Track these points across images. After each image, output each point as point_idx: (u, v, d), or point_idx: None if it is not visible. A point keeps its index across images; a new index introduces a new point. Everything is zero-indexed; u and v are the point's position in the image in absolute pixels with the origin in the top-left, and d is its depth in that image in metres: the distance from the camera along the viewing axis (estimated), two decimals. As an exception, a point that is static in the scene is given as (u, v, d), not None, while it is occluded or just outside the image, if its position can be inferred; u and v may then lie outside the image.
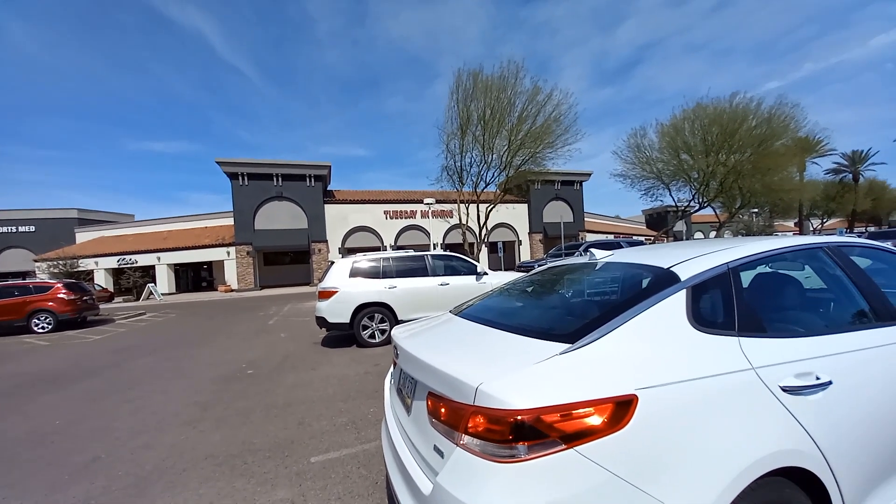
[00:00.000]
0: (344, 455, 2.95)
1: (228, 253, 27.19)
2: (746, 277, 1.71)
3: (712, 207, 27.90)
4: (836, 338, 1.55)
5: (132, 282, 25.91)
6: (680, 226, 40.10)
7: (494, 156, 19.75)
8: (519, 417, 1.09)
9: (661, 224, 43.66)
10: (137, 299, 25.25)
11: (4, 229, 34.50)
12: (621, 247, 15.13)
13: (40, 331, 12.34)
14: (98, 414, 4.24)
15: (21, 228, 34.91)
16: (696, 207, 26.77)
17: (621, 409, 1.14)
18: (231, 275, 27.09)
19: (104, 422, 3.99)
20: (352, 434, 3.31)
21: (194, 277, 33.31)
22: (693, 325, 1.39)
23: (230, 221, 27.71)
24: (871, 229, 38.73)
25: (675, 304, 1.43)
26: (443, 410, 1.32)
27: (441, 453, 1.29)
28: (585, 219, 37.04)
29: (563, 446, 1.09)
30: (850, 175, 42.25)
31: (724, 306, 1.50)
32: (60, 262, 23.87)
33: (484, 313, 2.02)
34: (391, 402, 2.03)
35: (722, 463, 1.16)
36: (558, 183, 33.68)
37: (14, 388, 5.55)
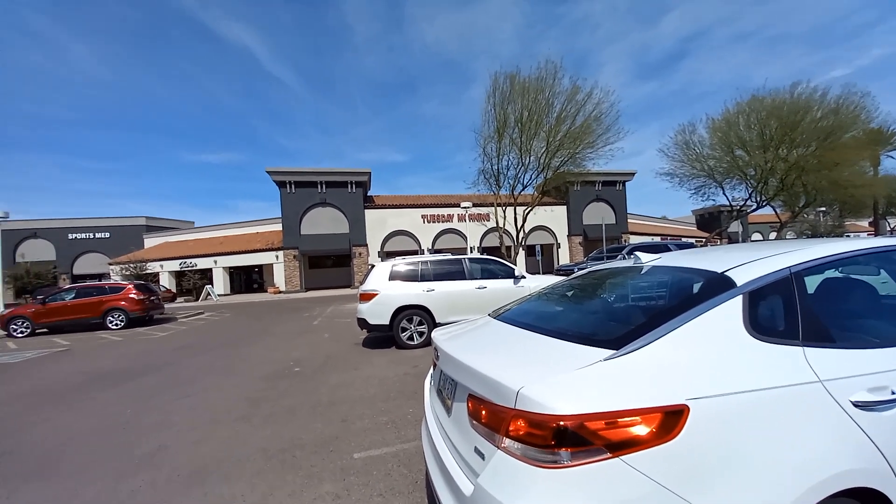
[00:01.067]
0: (385, 453, 3.03)
1: (277, 257, 28.69)
2: (813, 282, 1.58)
3: (772, 206, 25.77)
4: None
5: (192, 283, 28.03)
6: (735, 227, 37.33)
7: (532, 158, 19.48)
8: (562, 423, 1.09)
9: (713, 225, 40.94)
10: (197, 299, 27.23)
11: (83, 235, 38.42)
12: (669, 249, 14.35)
13: (114, 327, 13.62)
14: (159, 408, 4.60)
15: (97, 235, 38.78)
16: (754, 207, 24.92)
17: (671, 420, 1.10)
18: (279, 277, 28.56)
19: (164, 416, 4.31)
20: (392, 433, 3.39)
21: (246, 279, 35.45)
22: (751, 332, 1.31)
23: (278, 227, 29.26)
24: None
25: (730, 311, 1.36)
26: (483, 413, 1.33)
27: (482, 455, 1.30)
28: (629, 220, 35.48)
29: (608, 455, 1.07)
30: (935, 169, 37.43)
31: (786, 313, 1.40)
32: (131, 265, 26.27)
33: (524, 317, 2.01)
34: (431, 402, 2.06)
35: (782, 481, 1.08)
36: (599, 183, 32.57)
37: (88, 382, 6.17)
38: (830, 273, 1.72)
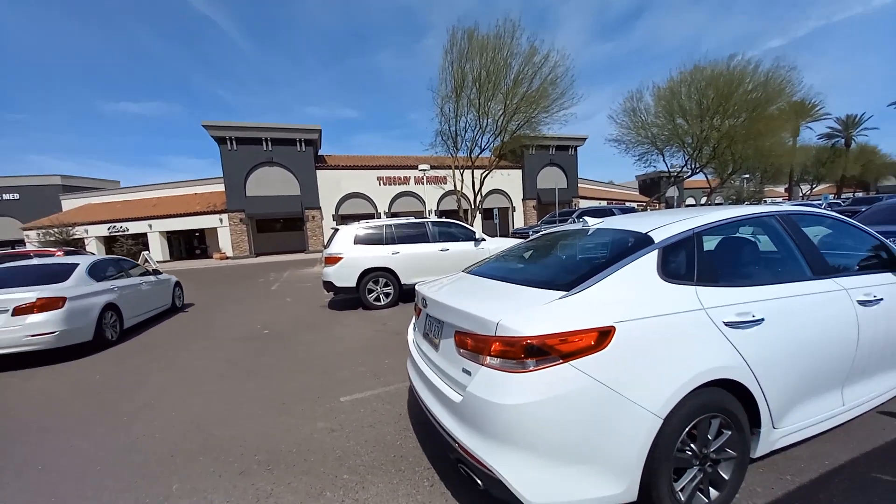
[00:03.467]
0: (369, 395, 3.44)
1: (221, 220, 27.11)
2: (709, 240, 2.10)
3: (704, 173, 28.19)
4: (772, 287, 1.98)
5: (126, 249, 25.87)
6: (672, 192, 40.50)
7: (490, 120, 19.60)
8: (529, 341, 1.51)
9: (654, 190, 44.07)
10: (134, 267, 25.31)
11: (-12, 197, 33.70)
12: (613, 213, 15.57)
13: (46, 298, 12.56)
14: (131, 372, 4.63)
15: (5, 196, 34.13)
16: (689, 173, 27.07)
17: (603, 336, 1.56)
18: (225, 242, 27.17)
19: (140, 378, 4.35)
20: (373, 380, 3.80)
21: (187, 245, 33.27)
22: (662, 277, 1.80)
23: (220, 188, 27.43)
24: (859, 195, 39.59)
25: (648, 261, 1.83)
26: (469, 342, 1.73)
27: (469, 373, 1.72)
28: (579, 185, 37.20)
29: (561, 361, 1.51)
30: (843, 140, 42.53)
31: (686, 263, 1.90)
32: (54, 229, 23.68)
33: (494, 271, 2.43)
34: (417, 344, 2.45)
35: (675, 373, 1.60)
36: (553, 148, 33.51)
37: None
38: (727, 232, 2.26)
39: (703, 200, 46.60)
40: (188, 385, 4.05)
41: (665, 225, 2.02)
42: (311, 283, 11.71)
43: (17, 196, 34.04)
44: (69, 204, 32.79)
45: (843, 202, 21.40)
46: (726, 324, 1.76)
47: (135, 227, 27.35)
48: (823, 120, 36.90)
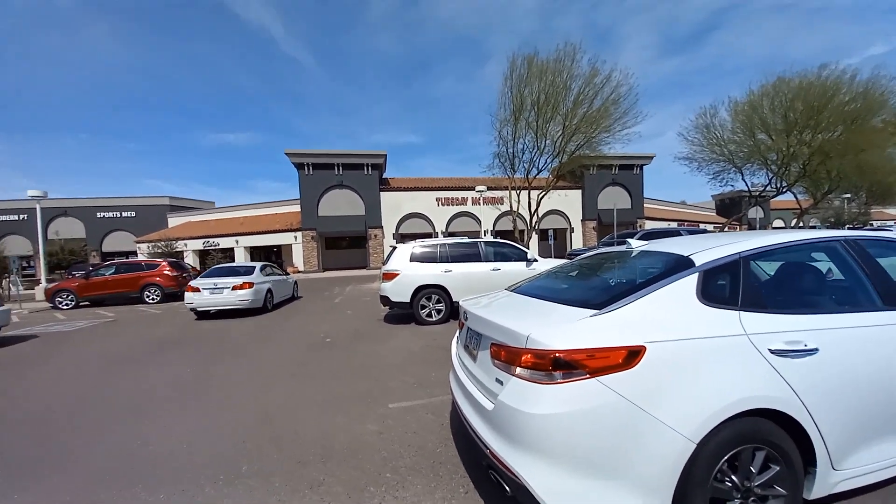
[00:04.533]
0: (415, 404, 3.63)
1: (296, 237, 29.66)
2: (762, 264, 2.03)
3: (792, 192, 25.29)
4: (831, 317, 1.86)
5: (216, 262, 29.31)
6: (755, 213, 36.66)
7: (548, 141, 19.55)
8: (557, 355, 1.60)
9: (733, 211, 40.24)
10: (220, 278, 28.46)
11: (110, 214, 40.01)
12: (680, 234, 14.56)
13: (151, 301, 14.66)
14: (219, 369, 5.33)
15: (124, 214, 40.42)
16: (774, 193, 24.50)
17: (633, 355, 1.60)
18: (298, 257, 29.60)
19: (225, 374, 5.05)
20: (419, 391, 3.99)
21: (266, 259, 36.76)
22: (701, 300, 1.79)
23: (296, 208, 30.13)
24: None
25: (687, 284, 1.84)
26: (503, 354, 1.85)
27: (501, 382, 1.84)
28: (645, 205, 35.20)
29: (588, 376, 1.58)
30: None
31: (730, 287, 1.87)
32: (161, 243, 27.56)
33: (534, 290, 2.53)
34: (459, 355, 2.61)
35: (710, 397, 1.59)
36: (616, 167, 32.29)
37: (147, 348, 6.97)
38: (776, 257, 2.16)
39: (794, 222, 41.47)
40: (264, 382, 4.57)
41: (710, 248, 2.00)
42: (370, 297, 12.36)
43: (133, 214, 40.15)
44: (173, 221, 37.99)
45: None
46: (772, 351, 1.70)
47: (225, 243, 30.88)
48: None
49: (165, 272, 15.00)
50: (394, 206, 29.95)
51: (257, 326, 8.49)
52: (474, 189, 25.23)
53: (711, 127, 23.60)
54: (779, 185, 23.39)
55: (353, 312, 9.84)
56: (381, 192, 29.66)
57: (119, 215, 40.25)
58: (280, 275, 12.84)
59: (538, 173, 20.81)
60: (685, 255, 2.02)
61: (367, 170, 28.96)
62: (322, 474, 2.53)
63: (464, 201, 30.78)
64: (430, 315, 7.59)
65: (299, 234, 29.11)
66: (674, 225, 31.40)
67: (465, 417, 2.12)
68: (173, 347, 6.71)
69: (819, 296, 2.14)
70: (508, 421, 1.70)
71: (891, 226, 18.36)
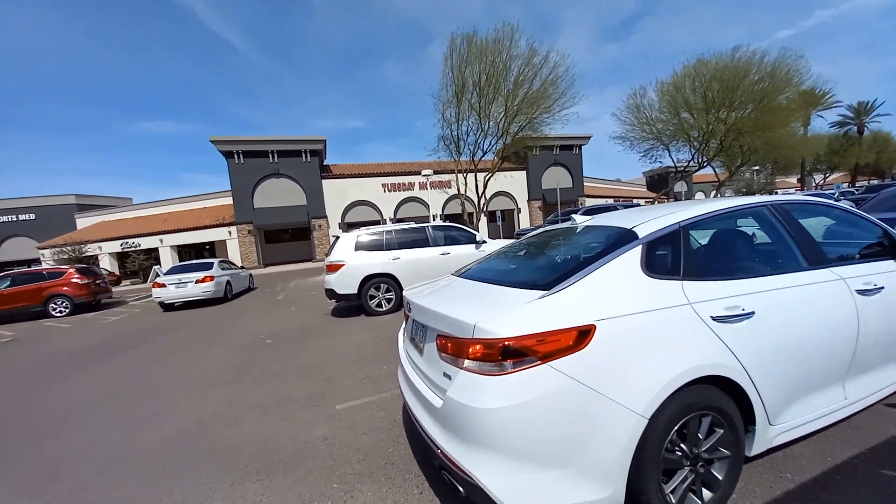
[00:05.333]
0: (365, 402, 3.42)
1: (230, 232, 27.52)
2: (697, 234, 2.04)
3: (712, 167, 27.77)
4: (763, 279, 1.91)
5: (137, 264, 26.45)
6: (680, 187, 39.94)
7: (491, 123, 19.65)
8: (506, 343, 1.47)
9: (662, 185, 43.52)
10: (145, 281, 25.85)
11: (5, 218, 34.64)
12: (616, 210, 15.41)
13: (58, 314, 12.85)
14: (149, 378, 4.77)
15: (21, 217, 35.07)
16: (696, 167, 26.73)
17: (582, 335, 1.51)
18: (234, 253, 27.54)
19: (157, 382, 4.54)
20: (370, 387, 3.78)
21: (197, 257, 33.82)
22: (646, 272, 1.75)
23: (229, 201, 27.86)
24: (874, 182, 38.55)
25: (631, 257, 1.78)
26: (449, 346, 1.70)
27: (449, 377, 1.69)
28: (585, 184, 36.91)
29: (539, 362, 1.47)
30: (855, 128, 41.54)
31: (672, 257, 1.85)
32: (67, 247, 24.28)
33: (481, 273, 2.39)
34: (405, 349, 2.43)
35: (659, 371, 1.55)
36: (557, 148, 33.36)
37: (64, 363, 6.05)
38: (711, 226, 2.20)
39: (713, 194, 45.89)
40: (201, 390, 4.11)
41: (651, 220, 1.97)
42: (317, 291, 11.77)
43: (32, 216, 34.94)
44: (84, 222, 33.59)
45: (857, 191, 20.83)
46: (714, 318, 1.71)
47: (146, 243, 27.87)
48: (835, 108, 36.16)
49: (73, 280, 13.18)
50: (338, 194, 28.72)
51: (190, 332, 7.71)
52: (421, 173, 24.85)
53: (641, 107, 25.08)
54: (700, 160, 25.52)
55: (298, 308, 9.30)
56: (324, 180, 28.27)
57: (15, 218, 34.87)
58: (236, 269, 14.49)
59: (483, 155, 20.94)
60: (628, 227, 1.97)
61: (306, 156, 27.36)
62: (259, 495, 2.26)
63: (411, 186, 30.27)
64: (379, 305, 7.33)
65: (233, 228, 27.05)
66: (611, 201, 33.32)
67: (414, 416, 1.96)
68: (92, 361, 5.87)
69: (751, 261, 2.22)
70: (459, 418, 1.56)
71: (831, 191, 20.66)
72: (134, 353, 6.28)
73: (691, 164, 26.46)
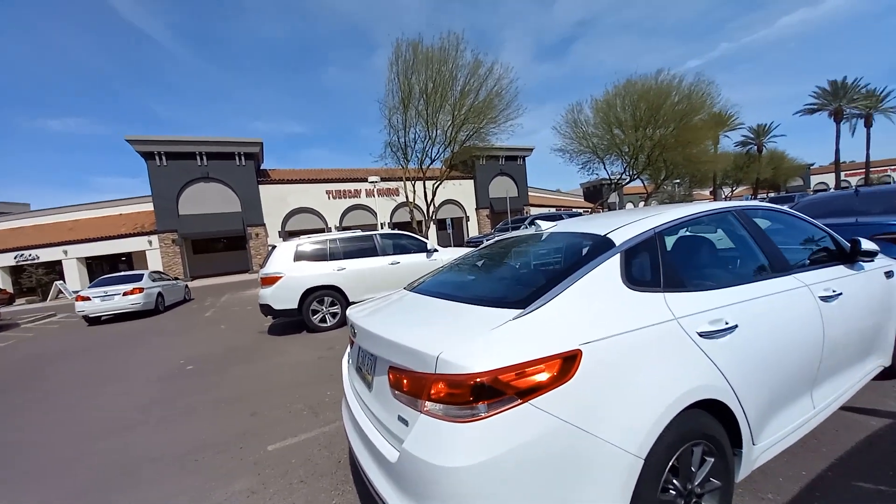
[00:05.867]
0: (303, 440, 2.92)
1: (150, 242, 24.65)
2: (670, 240, 1.90)
3: (641, 179, 30.14)
4: (741, 288, 1.80)
5: (35, 280, 22.76)
6: (613, 197, 42.89)
7: (439, 131, 19.57)
8: (478, 380, 1.17)
9: (597, 196, 46.43)
10: (44, 299, 22.32)
11: None
12: (563, 219, 15.96)
13: (-81, 344, 10.50)
14: (20, 428, 3.78)
15: None
16: (627, 180, 28.76)
17: (568, 363, 1.25)
18: (155, 266, 24.66)
19: (29, 436, 3.58)
20: (310, 419, 3.28)
21: (111, 271, 29.86)
22: (626, 284, 1.54)
23: (150, 207, 25.00)
24: (772, 195, 44.30)
25: (611, 267, 1.57)
26: (405, 382, 1.36)
27: (405, 422, 1.34)
28: (529, 193, 38.31)
29: (519, 401, 1.18)
30: (755, 147, 47.56)
31: (651, 267, 1.67)
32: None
33: (438, 287, 2.07)
34: (350, 380, 2.03)
35: (653, 401, 1.33)
36: (502, 158, 34.28)
37: None
38: (683, 232, 2.09)
39: (641, 204, 49.91)
40: (85, 442, 3.28)
41: (624, 225, 1.79)
42: (252, 306, 10.69)
43: None
44: (-38, 231, 28.28)
45: (761, 202, 23.62)
46: (700, 334, 1.54)
47: (47, 255, 24.07)
48: (739, 129, 41.06)
49: (-59, 301, 10.85)
50: (278, 200, 26.98)
51: (91, 360, 6.50)
52: (367, 180, 24.08)
53: (578, 122, 26.57)
54: (631, 173, 27.52)
55: (229, 326, 8.33)
56: (261, 185, 26.43)
57: None
58: (169, 280, 14.18)
59: (431, 163, 20.78)
60: (601, 234, 1.77)
61: (240, 159, 25.42)
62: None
63: (357, 193, 29.32)
64: (323, 320, 6.72)
65: (154, 237, 24.29)
66: (553, 210, 34.87)
67: (361, 468, 1.58)
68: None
69: (723, 269, 2.14)
70: (419, 478, 1.22)
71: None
72: (9, 395, 5.11)
73: (623, 176, 28.45)
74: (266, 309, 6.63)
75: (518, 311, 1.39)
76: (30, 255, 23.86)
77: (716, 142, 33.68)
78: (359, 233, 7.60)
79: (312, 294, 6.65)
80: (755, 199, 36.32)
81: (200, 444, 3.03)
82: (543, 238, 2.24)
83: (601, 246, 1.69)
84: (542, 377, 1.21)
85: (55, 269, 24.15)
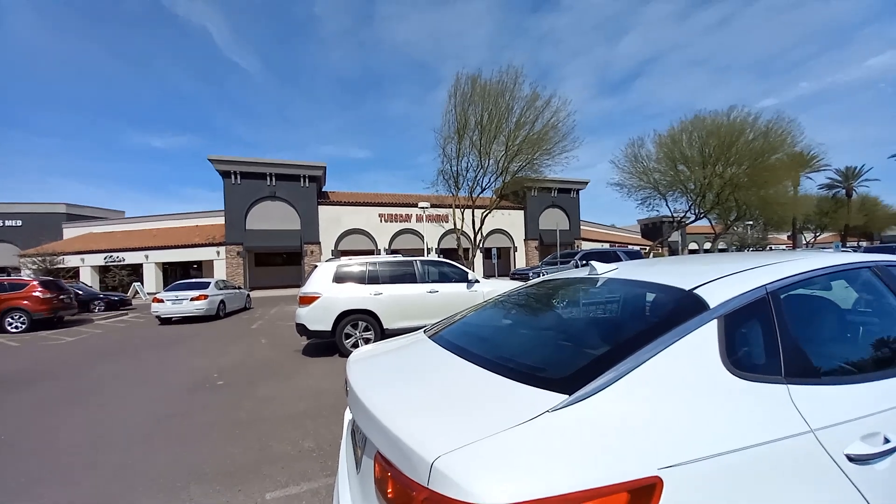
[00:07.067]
0: (304, 491, 2.56)
1: (218, 252, 26.64)
2: (787, 304, 1.37)
3: (708, 219, 27.83)
4: (890, 383, 1.21)
5: (118, 280, 25.33)
6: (675, 236, 39.97)
7: (491, 161, 19.51)
8: (489, 518, 0.74)
9: (656, 234, 43.60)
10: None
11: (-10, 223, 33.68)
12: (618, 257, 14.84)
13: (13, 330, 11.78)
14: (45, 426, 3.85)
15: (8, 222, 34.09)
16: (692, 218, 26.69)
17: (639, 500, 0.79)
18: (220, 275, 26.50)
19: (49, 435, 3.61)
20: (315, 463, 2.92)
21: (183, 276, 32.62)
22: (729, 368, 1.05)
23: (221, 220, 27.21)
24: (864, 244, 38.89)
25: (704, 340, 1.09)
26: (390, 485, 0.95)
27: (385, 544, 0.93)
28: (582, 227, 36.85)
29: (554, 562, 0.74)
30: (844, 190, 42.54)
31: (765, 343, 1.16)
32: (38, 258, 23.27)
33: (463, 339, 1.66)
34: (346, 443, 1.66)
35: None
36: (555, 190, 33.49)
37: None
38: (799, 291, 1.53)
39: (707, 245, 45.93)
40: (94, 452, 3.19)
41: (719, 278, 1.30)
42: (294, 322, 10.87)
43: (19, 223, 33.96)
44: (71, 232, 32.65)
45: (855, 250, 20.67)
46: (850, 458, 0.99)
47: (131, 258, 26.90)
48: (823, 171, 36.99)
49: (35, 294, 12.18)
50: (333, 220, 28.21)
51: (137, 363, 6.76)
52: (418, 205, 24.50)
53: (639, 157, 25.35)
54: (697, 212, 25.48)
55: (269, 341, 8.39)
56: (320, 206, 27.85)
57: (1, 224, 33.85)
58: (234, 288, 15.48)
59: (482, 192, 20.68)
60: (685, 288, 1.29)
61: (304, 181, 27.09)
62: None
63: (408, 218, 29.89)
64: (356, 345, 6.48)
65: (222, 248, 26.20)
66: (606, 245, 33.08)
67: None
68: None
69: (863, 350, 1.52)
70: None
71: (829, 249, 20.60)
72: (57, 386, 5.34)
73: (688, 214, 26.43)
74: (301, 328, 6.54)
75: (559, 398, 0.96)
76: (117, 257, 26.77)
77: (796, 184, 30.49)
78: (399, 257, 7.41)
79: (347, 317, 6.47)
80: (844, 247, 31.91)
81: (200, 475, 2.78)
82: (599, 284, 1.77)
83: (687, 306, 1.21)
84: (595, 522, 0.76)
85: (137, 271, 26.80)
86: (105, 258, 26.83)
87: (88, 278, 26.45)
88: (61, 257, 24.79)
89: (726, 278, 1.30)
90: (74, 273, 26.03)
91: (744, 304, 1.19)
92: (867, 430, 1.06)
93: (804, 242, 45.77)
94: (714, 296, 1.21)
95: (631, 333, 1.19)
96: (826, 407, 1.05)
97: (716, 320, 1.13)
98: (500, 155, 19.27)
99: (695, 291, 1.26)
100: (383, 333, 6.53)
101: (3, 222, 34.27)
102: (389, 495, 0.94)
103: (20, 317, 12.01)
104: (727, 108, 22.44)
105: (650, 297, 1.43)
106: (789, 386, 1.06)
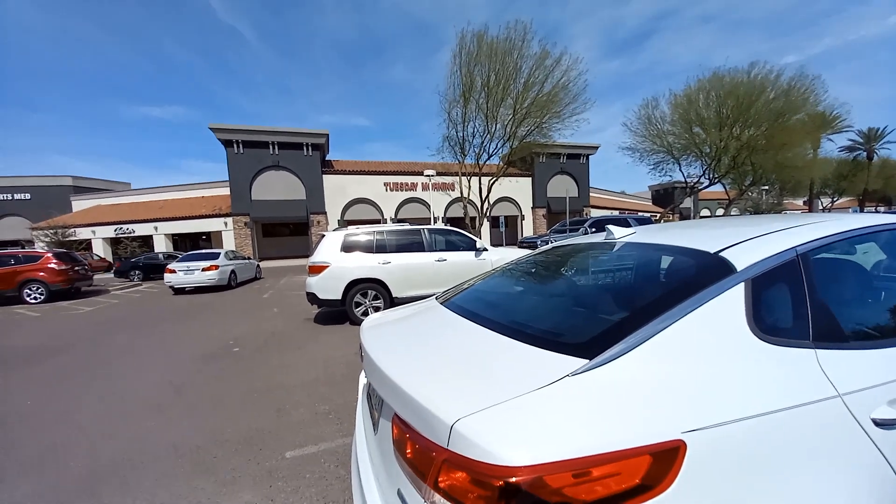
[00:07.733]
0: (322, 450, 2.67)
1: (226, 223, 26.79)
2: (816, 267, 1.31)
3: (722, 184, 27.03)
4: None
5: (130, 252, 25.74)
6: (687, 203, 39.16)
7: (498, 125, 18.90)
8: (514, 479, 0.74)
9: (667, 201, 42.76)
10: (136, 269, 25.09)
11: (0, 196, 34.02)
12: (629, 224, 14.64)
13: (32, 301, 12.16)
14: (64, 396, 3.98)
15: (17, 196, 34.41)
16: (706, 184, 25.97)
17: (662, 464, 0.78)
18: (229, 245, 26.78)
19: (68, 405, 3.72)
20: (333, 425, 3.03)
21: (193, 247, 33.05)
22: (756, 332, 1.01)
23: (227, 191, 27.16)
24: (882, 209, 37.82)
25: (730, 303, 1.05)
26: (409, 446, 0.96)
27: (405, 503, 0.95)
28: (591, 194, 36.18)
29: (576, 522, 0.74)
30: (864, 153, 40.80)
31: (793, 306, 1.12)
32: (50, 231, 23.66)
33: (475, 305, 1.65)
34: (362, 405, 1.69)
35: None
36: (564, 156, 32.63)
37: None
38: (828, 254, 1.47)
39: (720, 212, 45.06)
40: (115, 420, 3.33)
41: (746, 240, 1.24)
42: (304, 291, 11.04)
43: (28, 196, 34.27)
44: (79, 205, 32.91)
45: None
46: (877, 423, 0.98)
47: (141, 230, 27.20)
48: (845, 132, 35.38)
49: (50, 266, 12.46)
50: (338, 190, 28.01)
51: (153, 332, 6.96)
52: (423, 174, 24.19)
53: (653, 119, 24.34)
54: (711, 177, 24.76)
55: (281, 309, 8.57)
56: (324, 175, 27.57)
57: (10, 197, 34.22)
58: (243, 259, 15.77)
59: (489, 158, 20.21)
60: (710, 251, 1.24)
61: (307, 150, 26.68)
62: None
63: (413, 187, 29.57)
64: (366, 314, 6.58)
65: (230, 219, 26.33)
66: (616, 213, 32.58)
67: (354, 535, 1.22)
68: (19, 363, 5.13)
69: (892, 315, 1.47)
70: None
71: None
72: (76, 355, 5.53)
73: (702, 179, 25.71)
74: (311, 297, 6.64)
75: (580, 363, 0.94)
76: (127, 229, 27.08)
77: (816, 146, 29.25)
78: (407, 226, 7.37)
79: (356, 286, 6.53)
80: (862, 212, 31.09)
81: (221, 440, 2.90)
82: (616, 248, 1.72)
83: (712, 270, 1.16)
84: (619, 484, 0.76)
85: (147, 242, 27.17)
86: (115, 230, 27.15)
87: (101, 250, 26.95)
88: (73, 230, 25.14)
89: (753, 240, 1.24)
90: (87, 245, 26.48)
91: (773, 267, 1.14)
92: (894, 395, 1.03)
93: (820, 208, 44.57)
94: (741, 259, 1.16)
95: (652, 298, 1.15)
96: (853, 371, 1.02)
97: (743, 284, 1.09)
98: (507, 119, 18.64)
99: (721, 254, 1.20)
100: (392, 302, 6.61)
101: (13, 196, 34.59)
102: (409, 455, 0.95)
103: (38, 288, 12.35)
104: (748, 65, 21.21)
105: (672, 260, 1.38)
106: (817, 350, 1.03)
